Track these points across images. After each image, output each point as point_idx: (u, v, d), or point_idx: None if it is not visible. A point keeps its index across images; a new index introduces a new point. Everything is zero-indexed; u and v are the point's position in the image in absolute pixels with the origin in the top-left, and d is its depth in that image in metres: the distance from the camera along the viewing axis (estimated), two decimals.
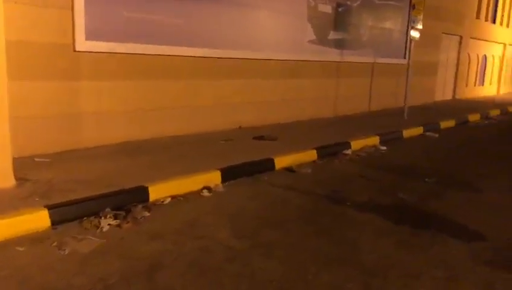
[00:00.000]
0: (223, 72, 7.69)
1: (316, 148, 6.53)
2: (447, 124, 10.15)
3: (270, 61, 8.42)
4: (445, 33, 14.69)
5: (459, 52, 16.00)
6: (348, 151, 6.90)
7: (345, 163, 6.34)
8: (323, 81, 9.80)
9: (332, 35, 9.76)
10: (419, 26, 9.89)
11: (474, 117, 11.47)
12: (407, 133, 8.65)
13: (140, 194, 4.33)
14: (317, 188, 5.03)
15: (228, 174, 5.12)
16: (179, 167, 5.12)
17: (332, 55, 9.87)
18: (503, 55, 20.50)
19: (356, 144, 7.25)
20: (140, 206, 4.16)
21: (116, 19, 5.92)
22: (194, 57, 7.09)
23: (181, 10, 6.77)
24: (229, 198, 4.57)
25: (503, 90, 21.23)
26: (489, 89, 19.89)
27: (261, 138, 7.17)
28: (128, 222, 3.86)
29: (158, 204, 4.31)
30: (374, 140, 7.71)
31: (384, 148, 7.43)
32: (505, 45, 20.31)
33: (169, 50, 6.64)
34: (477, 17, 17.08)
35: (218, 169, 5.08)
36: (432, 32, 13.69)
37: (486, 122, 11.26)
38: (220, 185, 4.95)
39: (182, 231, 3.67)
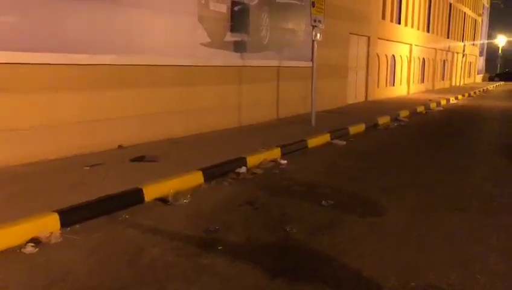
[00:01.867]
0: (97, 82, 6.43)
1: (203, 169, 5.51)
2: (356, 128, 9.68)
3: (156, 67, 7.29)
4: (353, 34, 14.51)
5: (368, 53, 15.97)
6: (242, 169, 5.96)
7: (235, 185, 5.39)
8: (223, 88, 8.86)
9: (229, 37, 8.85)
10: (321, 26, 9.31)
11: (384, 120, 11.19)
12: (312, 142, 7.95)
13: None
14: (188, 226, 3.99)
15: (71, 217, 3.92)
16: (2, 212, 3.82)
17: (232, 59, 8.96)
18: (410, 55, 21.10)
19: (253, 159, 6.35)
20: None
21: None
22: (54, 64, 5.77)
23: (35, 8, 5.43)
24: (60, 255, 3.37)
25: (413, 90, 21.87)
26: (400, 89, 20.34)
27: (140, 159, 6.01)
28: None
29: None
30: (275, 153, 6.88)
31: (285, 162, 6.61)
32: (411, 45, 20.91)
33: (12, 57, 5.27)
34: (383, 17, 17.25)
35: (56, 211, 3.86)
36: (339, 32, 13.37)
37: (395, 124, 11.02)
38: (58, 233, 3.73)
39: None
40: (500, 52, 50.52)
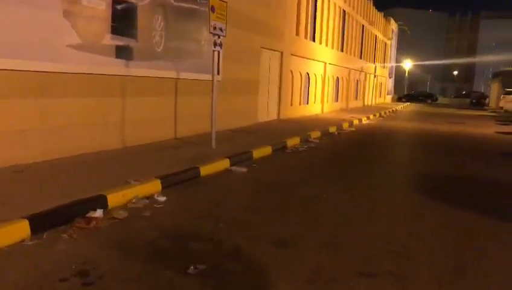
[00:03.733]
0: None
1: (31, 217, 3.90)
2: (261, 152, 8.55)
3: None
4: (265, 48, 13.60)
5: (281, 69, 15.18)
6: (98, 213, 4.44)
7: (77, 240, 3.84)
8: (98, 100, 7.22)
9: (109, 40, 7.29)
10: (223, 35, 8.12)
11: (293, 141, 10.24)
12: (206, 169, 6.63)
13: None
14: None
15: None
16: None
17: (112, 66, 7.39)
18: (325, 73, 20.88)
19: (117, 198, 4.85)
20: None
21: None
22: None
23: None
24: None
25: (327, 109, 21.67)
26: (314, 108, 19.93)
27: None
28: None
29: None
30: (152, 186, 5.43)
31: (163, 199, 5.19)
32: (325, 63, 20.69)
33: None
34: (297, 33, 16.67)
35: None
36: (249, 46, 12.36)
37: (305, 146, 10.10)
38: None
39: None
40: (406, 74, 53.91)
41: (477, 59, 76.58)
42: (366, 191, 6.16)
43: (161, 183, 5.58)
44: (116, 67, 7.46)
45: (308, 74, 18.65)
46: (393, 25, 43.84)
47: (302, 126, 13.49)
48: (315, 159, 8.81)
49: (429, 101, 50.30)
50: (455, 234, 4.45)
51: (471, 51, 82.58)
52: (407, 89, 56.90)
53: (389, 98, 46.24)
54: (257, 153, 8.35)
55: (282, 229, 4.35)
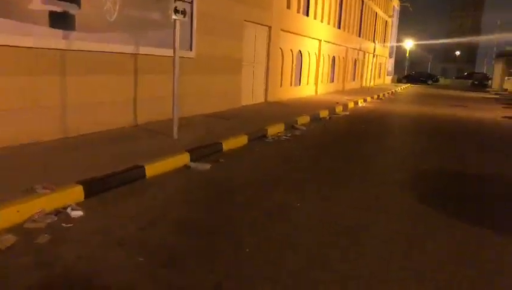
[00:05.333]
0: None
1: None
2: (233, 143, 7.22)
3: None
4: (249, 21, 12.08)
5: (268, 46, 13.66)
6: None
7: None
8: (29, 80, 5.85)
9: (39, 4, 5.86)
10: (187, 0, 6.69)
11: (275, 128, 8.88)
12: (155, 168, 5.30)
13: None
14: None
15: None
16: None
17: (46, 38, 5.98)
18: (320, 52, 19.34)
19: (9, 215, 3.56)
20: None
21: None
22: None
23: None
24: None
25: (321, 90, 20.21)
26: (307, 89, 18.48)
27: None
28: None
29: None
30: (68, 196, 4.11)
31: (79, 214, 3.89)
32: (320, 41, 19.13)
33: None
34: (288, 6, 15.08)
35: None
36: (229, 17, 10.87)
37: (289, 135, 8.75)
38: None
39: None
40: (407, 54, 52.11)
41: (481, 38, 74.54)
42: (354, 198, 4.86)
43: (83, 190, 4.26)
44: (51, 38, 6.04)
45: (300, 52, 17.14)
46: (395, 2, 41.89)
47: (291, 110, 12.11)
48: (298, 151, 7.48)
49: (430, 82, 48.73)
50: (476, 276, 3.16)
51: (475, 30, 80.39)
52: (407, 70, 55.15)
53: (388, 79, 44.61)
54: (228, 144, 7.02)
55: (229, 265, 3.04)
